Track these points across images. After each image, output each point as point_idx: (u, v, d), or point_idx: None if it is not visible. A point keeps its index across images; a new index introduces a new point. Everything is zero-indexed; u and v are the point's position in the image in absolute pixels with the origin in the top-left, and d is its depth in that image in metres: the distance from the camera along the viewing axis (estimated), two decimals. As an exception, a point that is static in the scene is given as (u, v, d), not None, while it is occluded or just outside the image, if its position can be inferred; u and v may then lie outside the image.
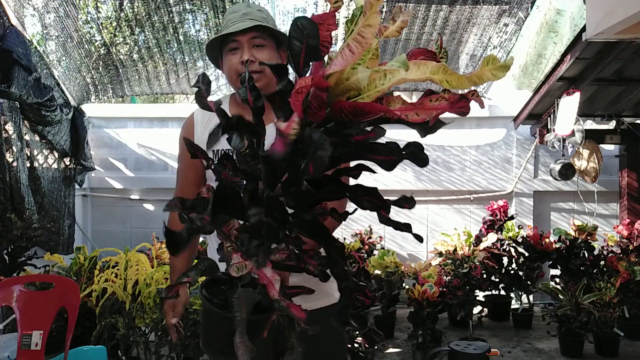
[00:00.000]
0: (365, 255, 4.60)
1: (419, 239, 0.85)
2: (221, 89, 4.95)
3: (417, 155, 0.75)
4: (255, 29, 1.43)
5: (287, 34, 0.78)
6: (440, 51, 0.78)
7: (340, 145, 0.75)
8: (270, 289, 0.81)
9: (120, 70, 4.65)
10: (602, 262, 4.16)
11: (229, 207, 0.78)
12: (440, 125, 0.75)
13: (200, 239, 4.91)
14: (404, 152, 0.75)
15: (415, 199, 0.86)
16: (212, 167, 0.87)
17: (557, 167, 4.58)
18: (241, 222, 0.88)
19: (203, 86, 0.87)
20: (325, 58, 0.80)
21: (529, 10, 4.13)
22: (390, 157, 0.75)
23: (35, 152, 4.38)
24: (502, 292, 4.57)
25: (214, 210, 0.75)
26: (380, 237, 5.05)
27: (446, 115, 0.77)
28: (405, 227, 0.83)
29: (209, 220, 0.75)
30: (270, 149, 0.74)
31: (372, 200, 0.81)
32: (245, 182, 0.82)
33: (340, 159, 0.77)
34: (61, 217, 4.62)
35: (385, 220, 0.82)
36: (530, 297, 4.55)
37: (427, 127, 0.74)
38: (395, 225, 0.83)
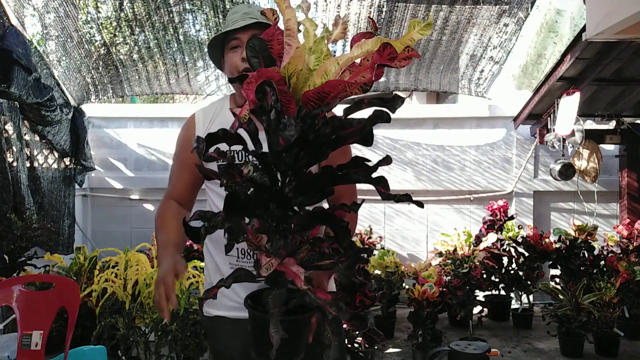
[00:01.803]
0: (365, 255, 4.60)
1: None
2: (221, 89, 4.96)
3: (380, 115, 0.91)
4: (257, 26, 1.45)
5: None
6: (374, 33, 0.94)
7: (313, 127, 0.90)
8: (297, 281, 0.95)
9: (120, 70, 4.65)
10: (602, 262, 4.16)
11: (239, 208, 0.95)
12: (400, 100, 0.91)
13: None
14: (370, 119, 0.91)
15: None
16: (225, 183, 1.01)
17: (557, 167, 4.58)
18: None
19: (201, 145, 0.99)
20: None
21: (529, 10, 4.13)
22: (359, 124, 0.90)
23: (35, 152, 4.38)
24: (502, 292, 4.57)
25: (226, 211, 0.94)
26: (380, 237, 5.05)
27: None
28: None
29: (223, 217, 0.93)
30: (230, 127, 0.94)
31: (360, 170, 0.96)
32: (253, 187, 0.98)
33: (326, 143, 0.92)
34: (61, 217, 4.62)
35: (386, 196, 0.95)
36: (530, 297, 4.55)
37: (393, 105, 0.90)
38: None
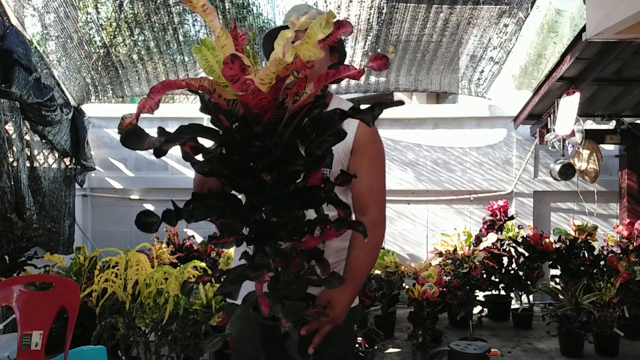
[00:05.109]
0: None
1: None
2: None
3: (359, 111, 0.94)
4: None
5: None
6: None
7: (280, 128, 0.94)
8: (263, 306, 0.98)
9: (120, 71, 4.65)
10: (602, 262, 4.16)
11: (209, 204, 1.01)
12: (378, 109, 0.91)
13: (200, 240, 4.89)
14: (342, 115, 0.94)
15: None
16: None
17: (557, 167, 4.58)
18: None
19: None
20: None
21: (529, 10, 4.13)
22: (334, 123, 0.93)
23: (36, 152, 4.38)
24: (502, 292, 4.57)
25: (193, 206, 0.99)
26: (380, 237, 5.04)
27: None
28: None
29: (191, 212, 0.98)
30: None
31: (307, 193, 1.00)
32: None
33: (309, 138, 0.95)
34: (61, 217, 4.62)
35: (341, 221, 1.00)
36: (530, 297, 4.55)
37: (371, 116, 0.92)
38: (349, 226, 1.01)
